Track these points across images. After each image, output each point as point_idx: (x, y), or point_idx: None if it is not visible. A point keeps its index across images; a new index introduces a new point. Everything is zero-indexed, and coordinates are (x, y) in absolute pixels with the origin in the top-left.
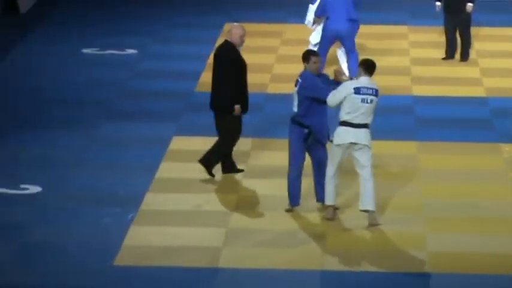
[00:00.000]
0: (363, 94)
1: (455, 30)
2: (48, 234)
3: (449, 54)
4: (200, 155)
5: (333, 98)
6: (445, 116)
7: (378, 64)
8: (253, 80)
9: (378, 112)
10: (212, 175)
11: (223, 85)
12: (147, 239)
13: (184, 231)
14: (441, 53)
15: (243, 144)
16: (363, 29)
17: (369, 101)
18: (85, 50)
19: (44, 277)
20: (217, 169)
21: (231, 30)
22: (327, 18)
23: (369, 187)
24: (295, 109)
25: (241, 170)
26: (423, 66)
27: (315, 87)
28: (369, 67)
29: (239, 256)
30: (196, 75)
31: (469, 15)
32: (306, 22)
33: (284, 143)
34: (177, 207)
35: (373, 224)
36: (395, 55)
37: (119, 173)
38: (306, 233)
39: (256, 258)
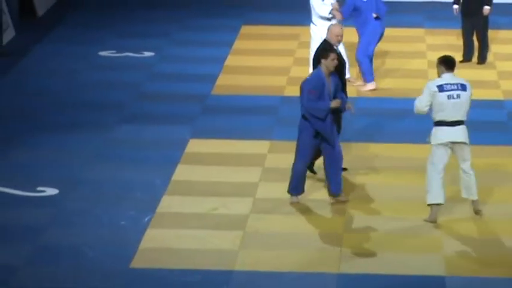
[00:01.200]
0: (448, 90)
1: (473, 33)
2: (65, 236)
3: (467, 57)
4: (216, 158)
5: (419, 103)
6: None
7: (395, 67)
8: (270, 82)
9: (396, 115)
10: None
11: None
12: (163, 242)
13: (201, 234)
14: (458, 55)
15: (259, 147)
16: None
17: (455, 96)
18: (102, 53)
19: (60, 280)
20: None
21: (329, 29)
22: (377, 18)
23: (471, 179)
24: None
25: (315, 172)
26: None
27: (303, 94)
28: (449, 63)
29: (255, 259)
30: (213, 78)
31: (486, 18)
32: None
33: None
34: (194, 210)
35: (477, 210)
36: (412, 58)
37: (135, 175)
38: (322, 236)
39: (272, 261)
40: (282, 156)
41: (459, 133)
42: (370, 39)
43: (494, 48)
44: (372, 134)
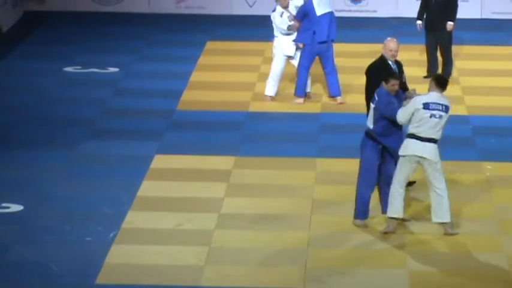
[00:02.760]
0: (432, 109)
1: (437, 48)
2: (30, 252)
3: (431, 72)
4: (182, 173)
5: (402, 114)
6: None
7: (359, 82)
8: (235, 98)
9: (357, 130)
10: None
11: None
12: (128, 258)
13: (166, 250)
14: (423, 71)
15: (225, 163)
16: (345, 47)
17: (437, 116)
18: (67, 68)
19: None
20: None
21: (384, 44)
22: (313, 33)
23: (442, 201)
24: (371, 125)
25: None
26: None
27: (389, 105)
28: (440, 82)
29: (221, 275)
30: (178, 94)
31: (450, 33)
32: (279, 31)
33: (265, 161)
34: (159, 226)
35: (449, 234)
36: None
37: (100, 191)
38: (288, 251)
39: (238, 276)
40: (247, 171)
41: (427, 149)
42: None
43: (458, 64)
44: (337, 149)
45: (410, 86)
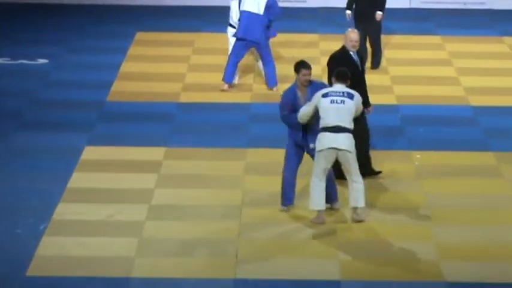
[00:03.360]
0: (331, 96)
1: (366, 38)
2: None
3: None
4: (112, 165)
5: (302, 111)
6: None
7: (289, 73)
8: (166, 89)
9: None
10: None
11: None
12: (59, 249)
13: (97, 241)
14: None
15: (155, 154)
16: (277, 37)
17: (339, 101)
18: None
19: None
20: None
21: (345, 35)
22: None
23: (357, 188)
24: None
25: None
26: None
27: (282, 107)
28: (339, 75)
29: (152, 265)
30: (108, 85)
31: (379, 23)
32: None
33: (195, 151)
34: (90, 217)
35: (357, 220)
36: None
37: (31, 183)
38: (218, 241)
39: (169, 267)
40: (178, 162)
41: (340, 140)
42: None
43: (387, 54)
44: (267, 139)
45: None
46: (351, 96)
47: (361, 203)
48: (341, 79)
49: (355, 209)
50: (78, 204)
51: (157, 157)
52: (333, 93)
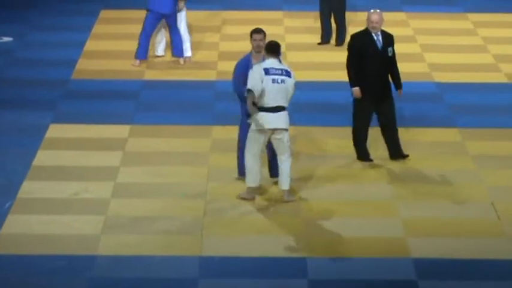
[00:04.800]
0: (273, 74)
1: (330, 15)
2: None
3: (325, 39)
4: (77, 143)
5: (253, 82)
6: (321, 100)
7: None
8: (130, 67)
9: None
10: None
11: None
12: (25, 228)
13: (62, 219)
14: (317, 38)
15: (120, 131)
16: (239, 14)
17: (279, 81)
18: None
19: None
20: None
21: (367, 15)
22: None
23: (286, 168)
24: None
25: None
26: (299, 51)
27: (234, 73)
28: (271, 48)
29: (117, 243)
30: (73, 63)
31: (343, 0)
32: None
33: (161, 129)
34: (55, 195)
35: (286, 201)
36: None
37: None
38: (184, 219)
39: (135, 244)
40: (143, 140)
41: (281, 120)
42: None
43: (352, 30)
44: (232, 117)
45: (304, 54)
46: (289, 74)
47: (288, 185)
48: (273, 52)
49: (284, 190)
50: (43, 182)
51: (122, 135)
52: (274, 71)
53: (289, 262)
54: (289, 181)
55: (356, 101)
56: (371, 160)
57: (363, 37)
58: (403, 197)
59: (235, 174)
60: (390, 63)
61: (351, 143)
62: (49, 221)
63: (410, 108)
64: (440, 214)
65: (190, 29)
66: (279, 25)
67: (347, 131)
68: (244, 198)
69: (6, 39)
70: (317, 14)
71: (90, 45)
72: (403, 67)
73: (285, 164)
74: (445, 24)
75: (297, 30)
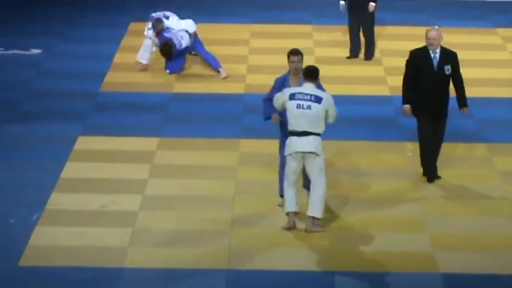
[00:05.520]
0: (299, 99)
1: (359, 29)
2: None
3: (354, 53)
4: (105, 155)
5: (275, 100)
6: (350, 114)
7: (283, 63)
8: (159, 79)
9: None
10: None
11: None
12: (52, 239)
13: (90, 231)
14: (345, 52)
15: (148, 144)
16: (268, 28)
17: (305, 106)
18: None
19: None
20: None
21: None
22: None
23: (316, 195)
24: None
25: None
26: (328, 65)
27: (270, 90)
28: (308, 73)
29: (145, 256)
30: (102, 75)
31: (372, 14)
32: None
33: (189, 141)
34: (83, 207)
35: (309, 230)
36: None
37: (25, 173)
38: (211, 232)
39: (162, 257)
40: (171, 153)
41: (307, 144)
42: None
43: (380, 45)
44: (260, 130)
45: (333, 67)
46: (318, 100)
47: (318, 213)
48: (310, 77)
49: (311, 218)
50: (71, 194)
51: (150, 147)
52: (300, 96)
53: (317, 276)
54: (319, 209)
55: (416, 118)
56: (438, 177)
57: (420, 54)
58: (430, 211)
59: (263, 186)
60: (448, 81)
61: (382, 156)
62: (77, 233)
63: None
64: (468, 229)
65: (219, 42)
66: (308, 39)
67: (374, 145)
68: (285, 228)
69: (35, 51)
70: (346, 28)
71: (119, 57)
72: None
73: (316, 190)
74: (474, 39)
75: (326, 44)
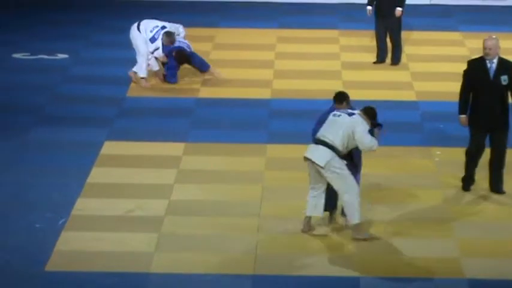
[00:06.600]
0: (334, 114)
1: (386, 34)
2: None
3: (380, 59)
4: (131, 160)
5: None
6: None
7: (309, 68)
8: (185, 84)
9: (307, 117)
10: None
11: None
12: (78, 244)
13: (116, 236)
14: (372, 57)
15: (174, 149)
16: (294, 33)
17: (337, 115)
18: (15, 55)
19: None
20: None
21: None
22: None
23: (344, 204)
24: None
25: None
26: (354, 70)
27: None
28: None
29: (171, 261)
30: (128, 80)
31: (399, 19)
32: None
33: (215, 147)
34: (109, 212)
35: (356, 238)
36: (326, 59)
37: (50, 177)
38: (237, 237)
39: (188, 262)
40: (197, 158)
41: (315, 152)
42: None
43: (407, 50)
44: (287, 135)
45: (360, 73)
46: (351, 114)
47: (351, 219)
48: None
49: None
50: (97, 199)
51: (176, 152)
52: (336, 112)
53: (342, 281)
54: (352, 217)
55: (470, 128)
56: (502, 192)
57: (476, 64)
58: (457, 216)
59: (289, 192)
60: (505, 92)
61: (409, 161)
62: (103, 238)
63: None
64: (498, 234)
65: (246, 47)
66: (334, 43)
67: (400, 150)
68: (303, 231)
69: (61, 56)
70: (373, 33)
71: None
72: (458, 87)
73: (342, 199)
74: (501, 44)
75: (353, 49)
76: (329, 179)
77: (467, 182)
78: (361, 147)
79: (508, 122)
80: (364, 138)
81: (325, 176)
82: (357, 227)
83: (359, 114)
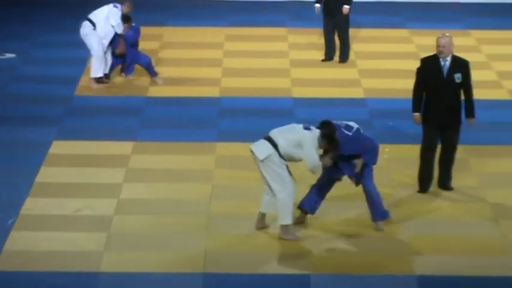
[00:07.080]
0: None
1: (334, 32)
2: None
3: (328, 56)
4: (80, 159)
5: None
6: (324, 117)
7: (256, 66)
8: (133, 83)
9: (257, 115)
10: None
11: None
12: (27, 244)
13: (66, 236)
14: (320, 54)
15: (123, 148)
16: (243, 31)
17: (299, 125)
18: None
19: None
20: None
21: None
22: None
23: (284, 203)
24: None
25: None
26: (303, 68)
27: None
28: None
29: (121, 260)
30: (76, 80)
31: (346, 17)
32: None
33: (164, 145)
34: (58, 212)
35: (284, 239)
36: (274, 57)
37: None
38: (188, 236)
39: (138, 261)
40: (146, 156)
41: (258, 144)
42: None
43: (355, 47)
44: (237, 133)
45: (308, 70)
46: (308, 128)
47: (280, 220)
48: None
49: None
50: (46, 198)
51: (125, 151)
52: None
53: (293, 278)
54: (284, 218)
55: (423, 125)
56: (450, 189)
57: (430, 62)
58: (407, 215)
59: (239, 190)
60: (458, 90)
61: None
62: (52, 238)
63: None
64: (447, 231)
65: (194, 45)
66: (283, 41)
67: None
68: (257, 228)
69: (9, 55)
70: (321, 30)
71: None
72: (406, 84)
73: (277, 198)
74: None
75: (301, 46)
76: (266, 174)
77: (425, 182)
78: (305, 160)
79: (460, 119)
80: (308, 159)
81: (261, 171)
82: (286, 228)
83: (317, 134)
